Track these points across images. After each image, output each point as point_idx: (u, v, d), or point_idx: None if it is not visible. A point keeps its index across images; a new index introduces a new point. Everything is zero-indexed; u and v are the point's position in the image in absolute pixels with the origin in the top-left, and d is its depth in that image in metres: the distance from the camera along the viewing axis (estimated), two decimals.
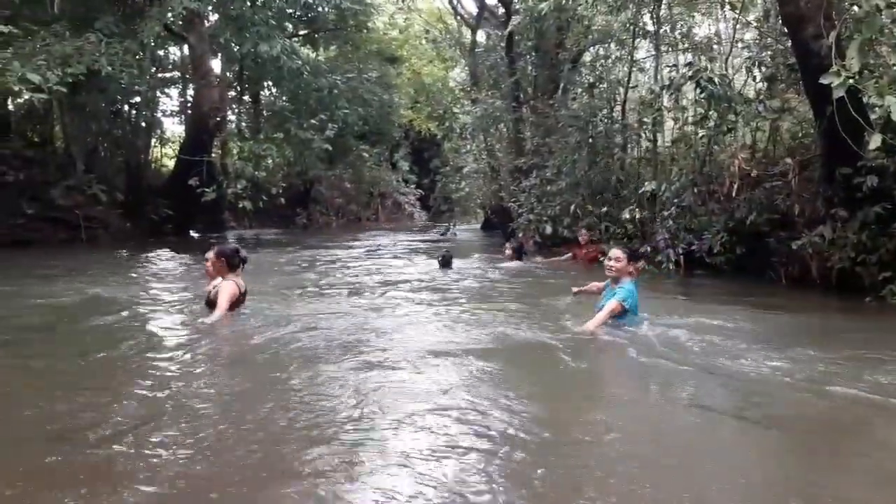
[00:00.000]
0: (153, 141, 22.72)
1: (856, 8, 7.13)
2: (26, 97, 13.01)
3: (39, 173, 15.71)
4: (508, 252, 11.45)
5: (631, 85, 13.84)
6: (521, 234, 15.36)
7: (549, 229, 13.79)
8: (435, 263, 11.09)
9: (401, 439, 3.32)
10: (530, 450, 3.25)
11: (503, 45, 17.76)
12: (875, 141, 6.48)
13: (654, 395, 4.30)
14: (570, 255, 12.28)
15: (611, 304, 5.80)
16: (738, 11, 11.83)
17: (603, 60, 14.72)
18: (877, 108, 8.58)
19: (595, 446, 3.35)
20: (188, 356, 4.94)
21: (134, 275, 10.13)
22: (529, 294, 8.35)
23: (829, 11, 7.58)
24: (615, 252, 6.10)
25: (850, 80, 6.20)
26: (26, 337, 5.81)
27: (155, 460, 3.04)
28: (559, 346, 5.30)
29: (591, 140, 13.18)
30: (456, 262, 11.00)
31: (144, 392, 4.06)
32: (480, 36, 21.16)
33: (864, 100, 7.80)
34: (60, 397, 3.93)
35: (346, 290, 8.52)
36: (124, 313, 6.48)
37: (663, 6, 12.40)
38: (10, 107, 16.66)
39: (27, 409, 3.74)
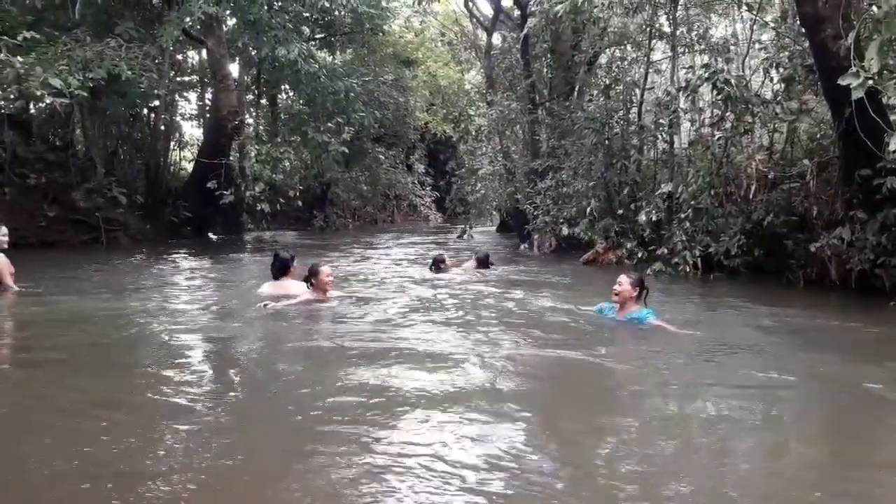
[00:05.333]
0: (172, 144, 22.89)
1: (875, 8, 7.09)
2: (48, 101, 13.18)
3: (61, 176, 15.90)
4: (473, 263, 11.06)
5: (647, 87, 13.79)
6: (536, 237, 15.36)
7: (565, 231, 13.77)
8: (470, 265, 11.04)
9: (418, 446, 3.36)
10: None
11: (519, 47, 17.76)
12: (895, 142, 6.44)
13: (677, 407, 4.26)
14: (590, 255, 12.32)
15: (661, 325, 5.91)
16: (755, 12, 11.78)
17: (619, 62, 14.67)
18: None
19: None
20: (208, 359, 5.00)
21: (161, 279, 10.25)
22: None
23: (848, 12, 7.55)
24: (621, 277, 6.12)
25: (870, 82, 6.16)
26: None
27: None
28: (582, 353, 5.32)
29: (607, 142, 13.15)
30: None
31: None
32: (496, 38, 21.17)
33: (884, 101, 7.75)
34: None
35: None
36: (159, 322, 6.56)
37: (680, 7, 12.36)
38: (33, 111, 16.87)
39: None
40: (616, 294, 6.07)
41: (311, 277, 7.05)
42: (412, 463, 3.07)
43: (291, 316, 6.59)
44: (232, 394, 4.27)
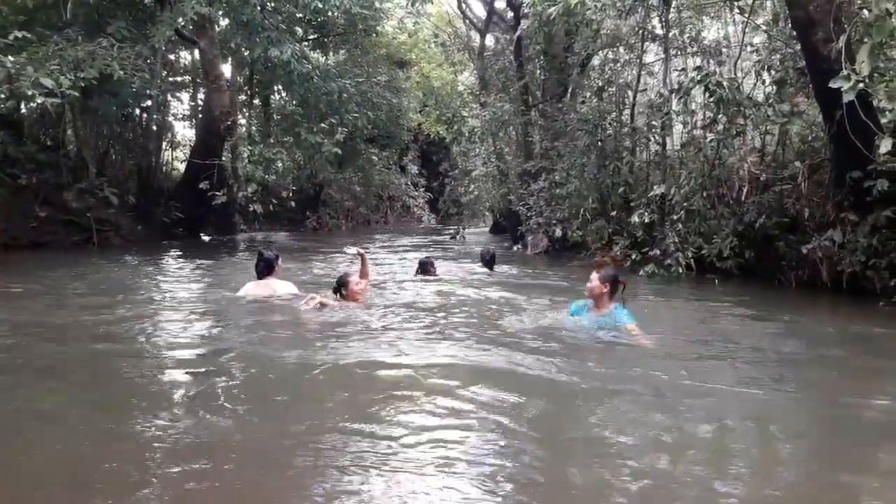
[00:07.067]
0: (164, 144, 22.82)
1: (866, 12, 7.13)
2: (39, 101, 13.12)
3: (52, 176, 15.82)
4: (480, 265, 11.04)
5: (640, 88, 13.83)
6: (530, 238, 15.38)
7: (558, 232, 13.81)
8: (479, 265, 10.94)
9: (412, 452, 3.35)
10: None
11: (512, 49, 17.81)
12: (886, 145, 6.49)
13: (668, 413, 4.23)
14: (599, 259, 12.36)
15: (633, 328, 5.71)
16: (747, 15, 11.83)
17: (612, 64, 14.72)
18: (887, 112, 8.60)
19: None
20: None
21: (152, 278, 10.20)
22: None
23: (839, 15, 7.59)
24: (592, 274, 5.99)
25: (861, 84, 6.18)
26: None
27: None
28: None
29: (599, 143, 13.19)
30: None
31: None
32: (489, 40, 21.23)
33: (875, 103, 7.80)
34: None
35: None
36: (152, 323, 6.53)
37: (672, 10, 12.40)
38: (24, 111, 16.79)
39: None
40: (588, 290, 5.99)
41: (340, 287, 7.01)
42: (410, 474, 3.07)
43: (285, 322, 6.55)
44: (224, 398, 4.25)
